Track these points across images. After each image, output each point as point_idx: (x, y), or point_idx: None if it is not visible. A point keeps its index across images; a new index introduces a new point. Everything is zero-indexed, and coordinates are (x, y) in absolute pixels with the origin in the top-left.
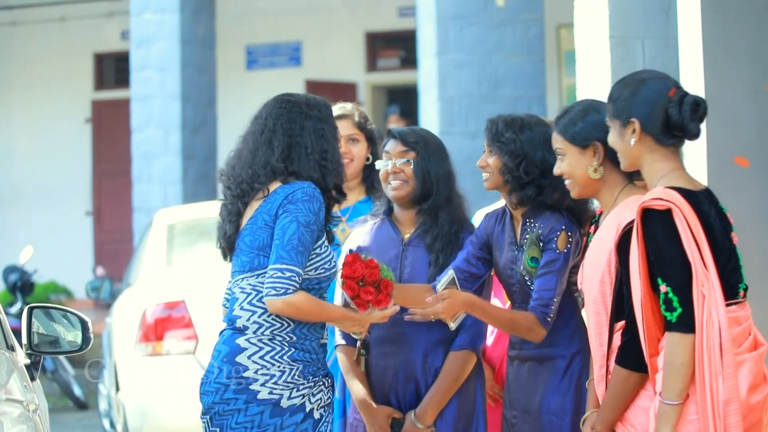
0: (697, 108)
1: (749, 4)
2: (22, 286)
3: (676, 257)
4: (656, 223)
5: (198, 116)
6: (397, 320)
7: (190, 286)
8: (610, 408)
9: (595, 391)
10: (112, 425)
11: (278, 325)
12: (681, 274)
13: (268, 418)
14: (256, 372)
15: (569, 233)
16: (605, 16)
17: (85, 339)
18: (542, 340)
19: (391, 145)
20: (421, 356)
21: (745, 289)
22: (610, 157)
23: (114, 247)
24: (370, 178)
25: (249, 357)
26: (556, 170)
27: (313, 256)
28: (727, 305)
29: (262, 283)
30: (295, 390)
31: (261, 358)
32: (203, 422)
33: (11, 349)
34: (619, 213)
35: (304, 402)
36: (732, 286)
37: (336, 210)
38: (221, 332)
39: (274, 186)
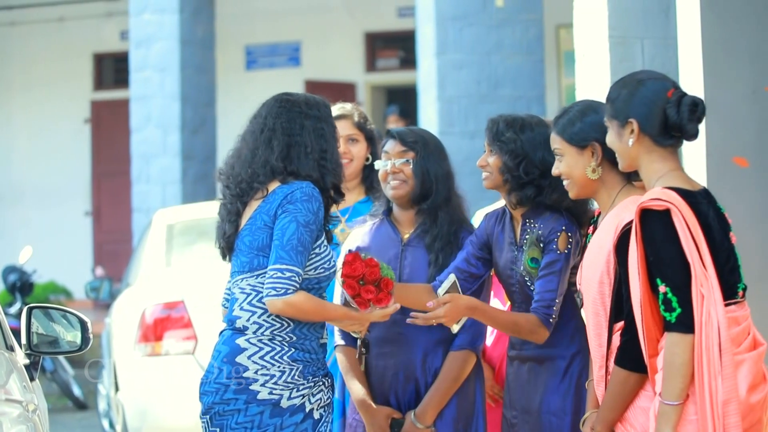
0: (696, 108)
1: (748, 5)
2: (22, 286)
3: (675, 257)
4: (655, 224)
5: (197, 116)
6: (396, 320)
7: (190, 286)
8: (609, 408)
9: (594, 391)
10: (112, 425)
11: (278, 325)
12: (680, 274)
13: (268, 418)
14: (256, 372)
15: (569, 234)
16: (604, 16)
17: (85, 339)
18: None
19: (390, 145)
20: (421, 356)
21: (744, 289)
22: (609, 157)
23: (113, 247)
24: (369, 178)
25: (249, 357)
26: (555, 170)
27: (313, 255)
28: (726, 305)
29: (262, 284)
30: (295, 390)
31: (261, 358)
32: (203, 422)
33: (10, 349)
34: (618, 214)
35: (304, 402)
36: (731, 286)
37: (336, 210)
38: (221, 332)
39: (273, 186)
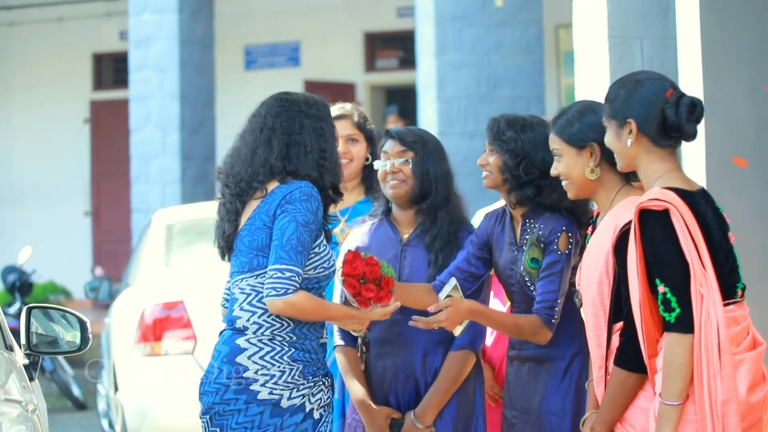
0: (694, 109)
1: (748, 5)
2: (21, 286)
3: (674, 257)
4: (654, 224)
5: (196, 116)
6: (396, 321)
7: (189, 286)
8: (609, 409)
9: (594, 391)
10: (111, 425)
11: (278, 325)
12: (679, 274)
13: (269, 418)
14: (256, 372)
15: (570, 234)
16: (604, 16)
17: (84, 339)
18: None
19: (390, 145)
20: (421, 356)
21: (743, 289)
22: (607, 158)
23: (112, 247)
24: (369, 178)
25: (249, 357)
26: (553, 171)
27: (312, 255)
28: (726, 305)
29: (262, 284)
30: (295, 390)
31: (261, 358)
32: (203, 422)
33: (10, 349)
34: (617, 214)
35: (304, 402)
36: (730, 286)
37: (335, 210)
38: (221, 333)
39: (272, 185)
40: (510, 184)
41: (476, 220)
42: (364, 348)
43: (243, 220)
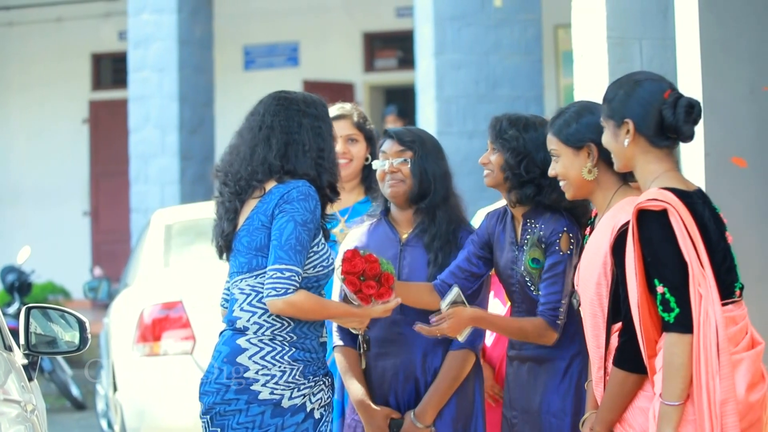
0: (692, 110)
1: (747, 5)
2: (20, 286)
3: (673, 258)
4: (652, 224)
5: (195, 116)
6: (396, 320)
7: (188, 286)
8: (608, 409)
9: (593, 392)
10: (110, 425)
11: (278, 325)
12: (678, 274)
13: (269, 418)
14: (257, 372)
15: (571, 234)
16: (603, 16)
17: (83, 339)
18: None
19: (388, 145)
20: (421, 356)
21: (741, 289)
22: (605, 158)
23: (111, 247)
24: (369, 178)
25: (250, 357)
26: (551, 171)
27: (311, 254)
28: (724, 305)
29: (261, 284)
30: (296, 390)
31: (262, 358)
32: (203, 422)
33: (9, 349)
34: (614, 215)
35: (305, 402)
36: (728, 286)
37: (335, 210)
38: (221, 333)
39: (270, 185)
40: (511, 183)
41: (477, 219)
42: (365, 346)
43: (241, 219)
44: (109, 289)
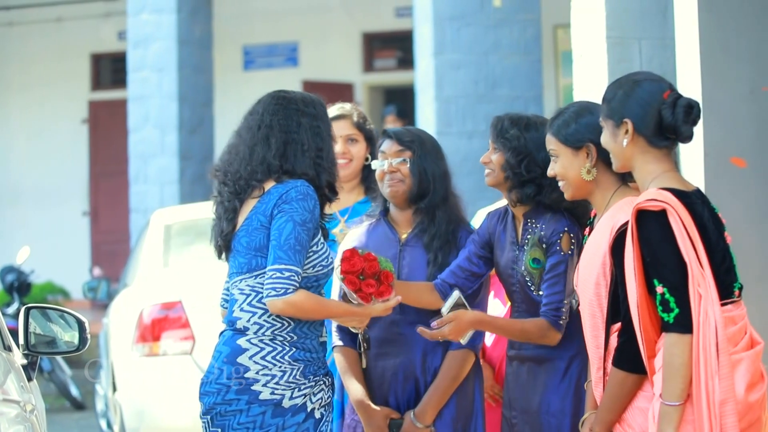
0: (691, 111)
1: (746, 5)
2: (19, 286)
3: (672, 258)
4: (651, 225)
5: (195, 116)
6: (396, 320)
7: (187, 286)
8: (607, 409)
9: (593, 392)
10: (109, 426)
11: (279, 325)
12: (677, 274)
13: (270, 418)
14: (257, 372)
15: (571, 234)
16: (602, 16)
17: (82, 339)
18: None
19: (387, 145)
20: (420, 356)
21: (740, 289)
22: (603, 159)
23: (111, 247)
24: (369, 178)
25: (250, 358)
26: (550, 171)
27: (310, 254)
28: (723, 305)
29: (261, 284)
30: (296, 390)
31: (262, 358)
32: (203, 422)
33: (8, 349)
34: (613, 215)
35: (306, 402)
36: (727, 286)
37: (335, 210)
38: (221, 333)
39: (269, 185)
40: (511, 182)
41: (477, 219)
42: (365, 345)
43: (240, 219)
44: (108, 289)
